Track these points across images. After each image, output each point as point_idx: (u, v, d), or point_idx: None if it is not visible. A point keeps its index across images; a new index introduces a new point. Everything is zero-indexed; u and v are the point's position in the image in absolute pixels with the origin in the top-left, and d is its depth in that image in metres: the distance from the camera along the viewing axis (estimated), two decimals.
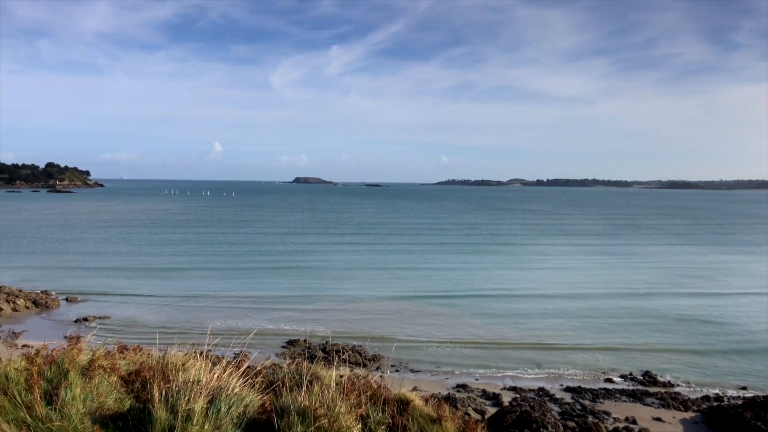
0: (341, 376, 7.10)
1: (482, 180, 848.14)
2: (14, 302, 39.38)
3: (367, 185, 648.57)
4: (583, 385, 26.70)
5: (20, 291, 42.35)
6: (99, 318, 36.62)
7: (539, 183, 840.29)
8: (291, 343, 32.37)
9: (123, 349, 6.60)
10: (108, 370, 5.34)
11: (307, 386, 6.92)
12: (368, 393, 6.35)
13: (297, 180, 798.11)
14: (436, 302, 42.07)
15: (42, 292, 43.07)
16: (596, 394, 25.77)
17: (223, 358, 6.60)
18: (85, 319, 36.14)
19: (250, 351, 25.25)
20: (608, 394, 25.74)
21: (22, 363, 5.06)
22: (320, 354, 30.87)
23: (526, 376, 28.04)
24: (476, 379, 27.45)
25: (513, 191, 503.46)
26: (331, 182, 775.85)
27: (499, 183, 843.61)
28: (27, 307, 39.49)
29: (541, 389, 26.01)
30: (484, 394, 25.35)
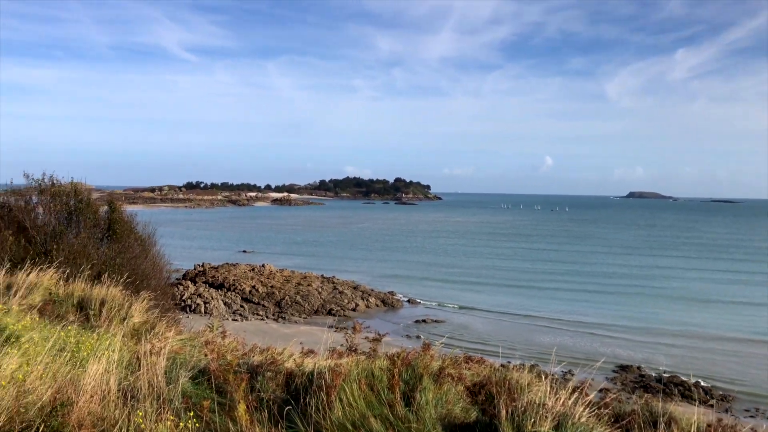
0: (708, 426, 5.99)
1: None
2: (367, 300, 45.00)
3: (713, 201, 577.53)
4: None
5: (372, 290, 48.22)
6: (435, 321, 39.39)
7: None
8: (622, 368, 30.18)
9: (468, 359, 6.61)
10: (455, 378, 5.36)
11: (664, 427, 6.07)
12: None
13: (631, 194, 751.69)
14: None
15: (389, 292, 48.32)
16: None
17: (559, 378, 6.15)
18: (423, 321, 39.24)
19: (578, 371, 24.14)
20: None
21: (385, 362, 5.36)
22: (656, 385, 28.16)
23: None
24: None
25: None
26: (669, 197, 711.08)
27: None
28: (377, 305, 44.72)
29: None
30: None
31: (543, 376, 6.00)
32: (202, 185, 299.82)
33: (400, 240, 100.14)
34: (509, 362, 26.13)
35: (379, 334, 6.40)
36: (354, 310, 42.77)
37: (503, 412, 4.60)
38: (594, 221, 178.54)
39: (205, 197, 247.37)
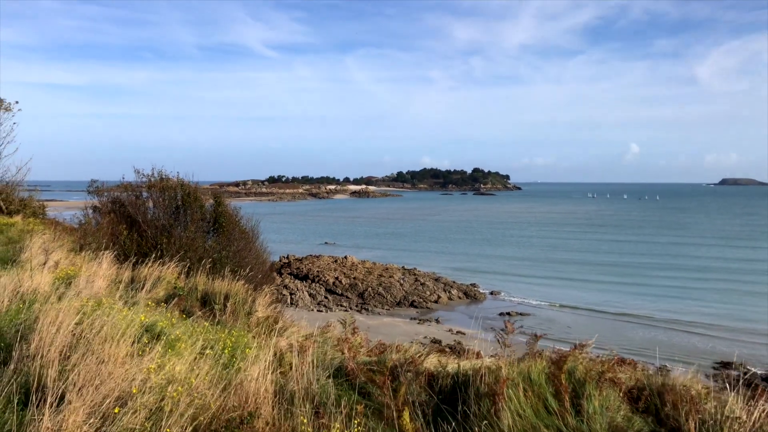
0: None
1: None
2: (449, 292, 44.73)
3: None
4: None
5: (454, 282, 47.86)
6: (520, 314, 38.62)
7: None
8: (724, 365, 28.54)
9: (621, 361, 6.23)
10: (614, 383, 5.04)
11: None
12: None
13: (724, 181, 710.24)
14: None
15: (471, 284, 47.83)
16: None
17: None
18: (508, 314, 38.53)
19: (676, 366, 23.06)
20: None
21: (542, 364, 5.11)
22: (762, 384, 26.46)
23: None
24: None
25: None
26: (767, 183, 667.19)
27: None
28: (459, 297, 44.37)
29: None
30: None
31: (719, 383, 5.57)
32: (283, 179, 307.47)
33: (480, 231, 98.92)
34: (651, 364, 25.19)
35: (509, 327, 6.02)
36: (436, 302, 42.60)
37: (689, 426, 4.23)
38: (686, 210, 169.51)
39: (287, 191, 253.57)
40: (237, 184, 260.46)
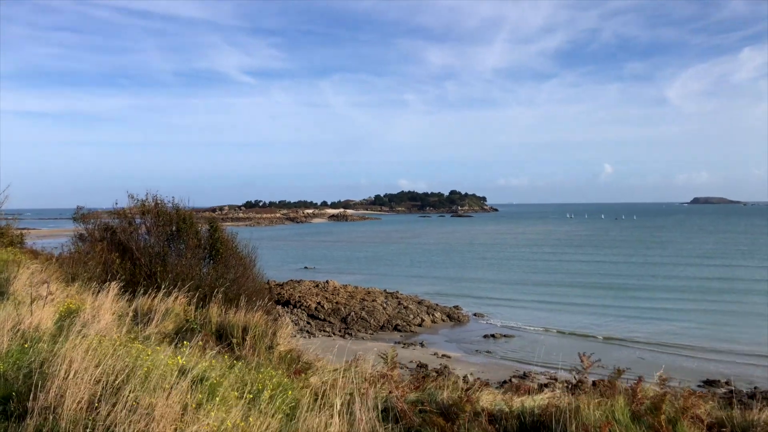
0: None
1: None
2: (433, 315, 44.41)
3: None
4: None
5: (437, 305, 47.60)
6: (505, 336, 38.42)
7: None
8: (708, 383, 28.58)
9: (691, 393, 5.87)
10: (698, 419, 4.72)
11: None
12: None
13: (696, 200, 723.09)
14: None
15: (454, 307, 47.60)
16: None
17: None
18: (493, 336, 38.31)
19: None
20: None
21: (621, 401, 4.78)
22: (750, 401, 26.48)
23: None
24: None
25: None
26: (738, 201, 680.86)
27: None
28: (442, 320, 44.04)
29: None
30: None
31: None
32: (260, 204, 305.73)
33: (460, 253, 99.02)
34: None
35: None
36: (420, 325, 42.25)
37: None
38: (662, 228, 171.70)
39: (265, 215, 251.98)
40: (213, 210, 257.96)
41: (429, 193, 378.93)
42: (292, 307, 45.87)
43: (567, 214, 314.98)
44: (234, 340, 8.01)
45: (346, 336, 39.63)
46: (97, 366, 4.13)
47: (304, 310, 45.25)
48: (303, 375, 6.19)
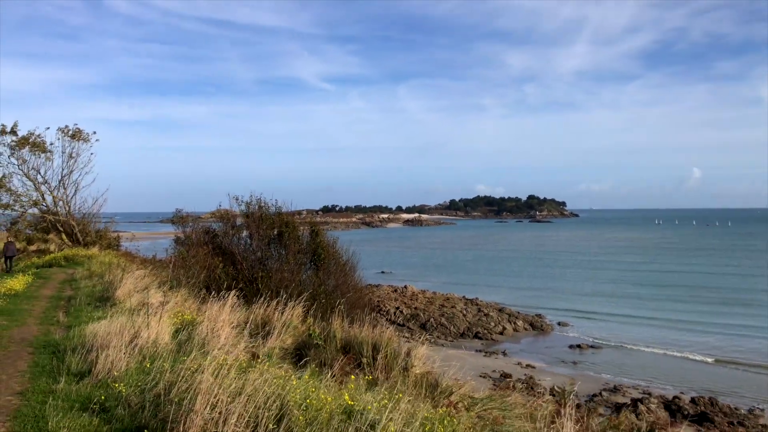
0: None
1: None
2: (514, 323, 43.24)
3: None
4: None
5: (518, 313, 46.32)
6: (592, 347, 36.84)
7: None
8: None
9: None
10: None
11: None
12: None
13: None
14: None
15: (536, 315, 46.19)
16: None
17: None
18: (578, 346, 36.80)
19: None
20: None
21: None
22: None
23: None
24: None
25: None
26: None
27: None
28: (525, 329, 42.79)
29: None
30: None
31: None
32: (337, 208, 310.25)
33: (542, 260, 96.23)
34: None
35: None
36: (501, 333, 41.23)
37: None
38: (762, 236, 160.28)
39: (341, 219, 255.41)
40: (292, 214, 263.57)
41: (506, 198, 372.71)
42: (370, 311, 45.86)
43: (655, 220, 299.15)
44: (364, 360, 7.66)
45: (426, 342, 39.11)
46: (238, 394, 3.73)
47: (383, 314, 45.12)
48: (456, 408, 5.74)
